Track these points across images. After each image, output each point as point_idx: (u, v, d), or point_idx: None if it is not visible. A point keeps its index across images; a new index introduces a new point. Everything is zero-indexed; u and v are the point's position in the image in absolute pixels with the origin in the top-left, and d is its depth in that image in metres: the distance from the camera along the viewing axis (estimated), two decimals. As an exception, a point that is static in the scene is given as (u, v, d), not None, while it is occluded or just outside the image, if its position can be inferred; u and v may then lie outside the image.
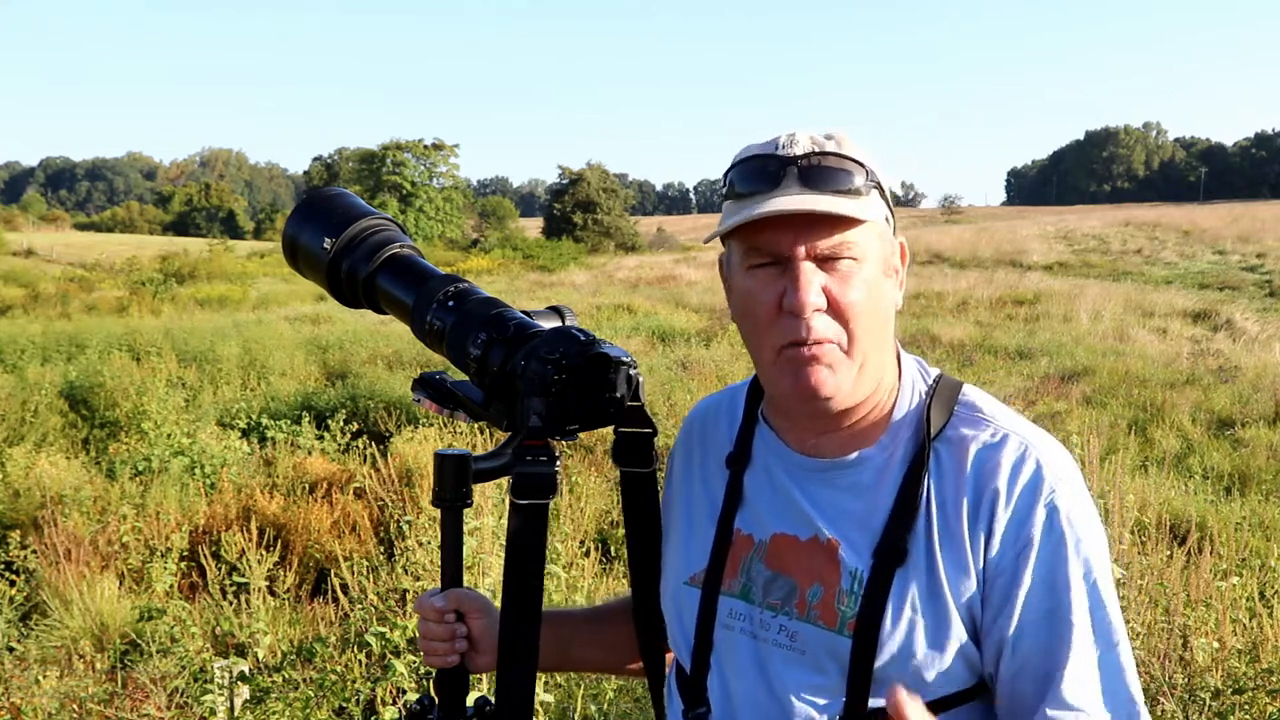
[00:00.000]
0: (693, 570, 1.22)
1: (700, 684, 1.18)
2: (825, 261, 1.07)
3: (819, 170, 1.07)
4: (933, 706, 1.06)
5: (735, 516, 1.20)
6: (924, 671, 1.07)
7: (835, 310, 1.07)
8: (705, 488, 1.26)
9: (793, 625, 1.12)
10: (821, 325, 1.07)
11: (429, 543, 4.35)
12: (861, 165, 1.09)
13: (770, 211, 1.04)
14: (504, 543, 1.15)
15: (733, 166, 1.13)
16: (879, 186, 1.11)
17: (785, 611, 1.13)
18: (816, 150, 1.08)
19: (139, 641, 4.20)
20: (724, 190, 1.13)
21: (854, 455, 1.14)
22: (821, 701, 1.10)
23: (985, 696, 1.11)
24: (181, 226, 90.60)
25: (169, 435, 7.29)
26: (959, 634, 1.07)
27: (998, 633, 1.06)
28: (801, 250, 1.06)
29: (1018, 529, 1.06)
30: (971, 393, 1.18)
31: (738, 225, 1.08)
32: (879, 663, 1.07)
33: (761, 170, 1.09)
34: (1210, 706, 3.11)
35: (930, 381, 1.18)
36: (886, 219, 1.13)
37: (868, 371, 1.11)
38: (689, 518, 1.27)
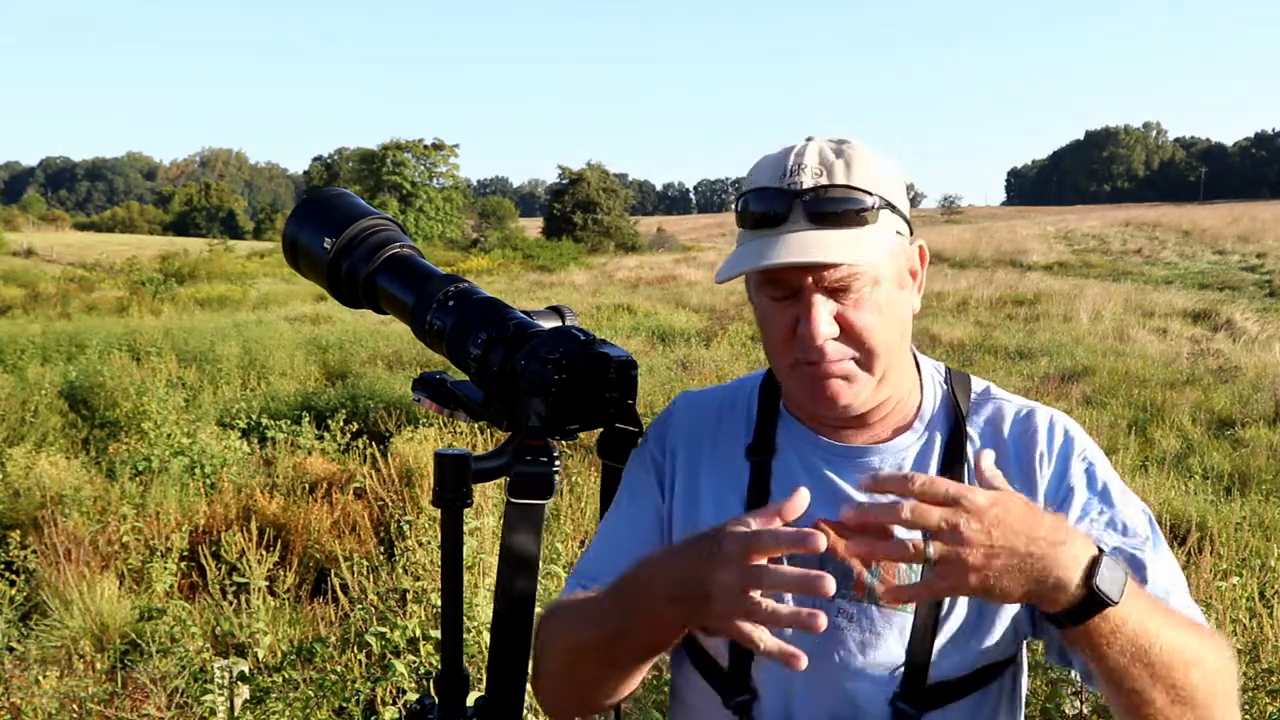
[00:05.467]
0: None
1: (743, 672, 1.17)
2: (836, 291, 1.09)
3: (825, 204, 1.08)
4: (979, 675, 1.14)
5: (768, 505, 1.19)
6: (981, 639, 1.13)
7: (849, 334, 1.10)
8: (718, 481, 1.23)
9: (851, 606, 1.14)
10: (835, 350, 1.11)
11: (429, 543, 4.35)
12: (869, 192, 1.08)
13: (774, 264, 1.06)
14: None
15: (743, 194, 1.13)
16: (889, 205, 1.11)
17: (842, 594, 1.14)
18: (823, 184, 1.08)
19: (139, 641, 4.20)
20: (737, 211, 1.15)
21: (892, 437, 1.19)
22: (882, 678, 1.12)
23: (1013, 669, 1.20)
24: (181, 226, 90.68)
25: (169, 435, 7.28)
26: None
27: None
28: (811, 281, 1.08)
29: (1058, 482, 1.15)
30: (978, 379, 1.27)
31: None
32: (941, 636, 1.12)
33: (769, 205, 1.10)
34: (1210, 706, 3.10)
35: (943, 372, 1.26)
36: (899, 233, 1.13)
37: (887, 380, 1.16)
38: (701, 513, 1.22)
